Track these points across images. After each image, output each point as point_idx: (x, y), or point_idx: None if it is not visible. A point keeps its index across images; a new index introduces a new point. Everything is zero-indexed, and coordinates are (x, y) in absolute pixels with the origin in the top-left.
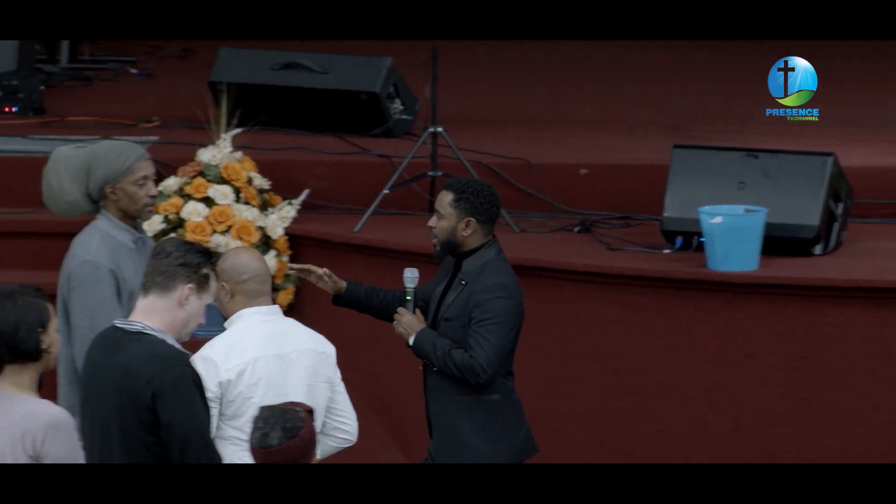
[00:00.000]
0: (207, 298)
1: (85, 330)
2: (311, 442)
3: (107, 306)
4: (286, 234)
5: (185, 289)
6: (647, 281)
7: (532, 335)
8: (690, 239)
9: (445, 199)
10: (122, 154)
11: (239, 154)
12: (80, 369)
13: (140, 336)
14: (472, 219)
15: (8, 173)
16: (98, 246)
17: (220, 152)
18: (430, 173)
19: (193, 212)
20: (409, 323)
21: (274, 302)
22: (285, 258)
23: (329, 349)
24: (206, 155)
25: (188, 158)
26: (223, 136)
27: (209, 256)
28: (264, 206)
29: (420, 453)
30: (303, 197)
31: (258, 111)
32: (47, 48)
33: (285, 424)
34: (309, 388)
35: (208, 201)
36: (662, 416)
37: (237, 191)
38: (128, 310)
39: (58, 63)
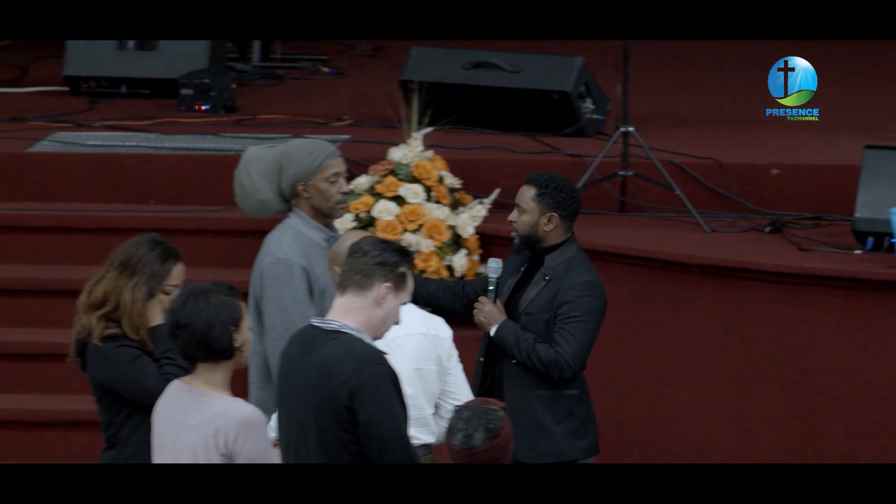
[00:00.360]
0: (404, 297)
1: (277, 328)
2: (510, 441)
3: (299, 304)
4: (477, 233)
5: (382, 287)
6: (838, 281)
7: (722, 335)
8: (882, 240)
9: (527, 193)
10: (314, 151)
11: (430, 153)
12: (272, 367)
13: (337, 335)
14: (554, 214)
15: (199, 171)
16: (290, 244)
17: (411, 151)
18: (622, 173)
19: (384, 210)
20: (490, 313)
21: None
22: (476, 257)
23: (443, 332)
24: (397, 153)
25: (379, 157)
26: (414, 134)
27: (406, 255)
28: (455, 205)
29: (609, 455)
30: (494, 196)
31: (449, 110)
32: (239, 47)
33: (488, 425)
34: (417, 371)
35: (399, 200)
36: (853, 417)
37: (428, 189)
38: (319, 308)
39: (249, 62)
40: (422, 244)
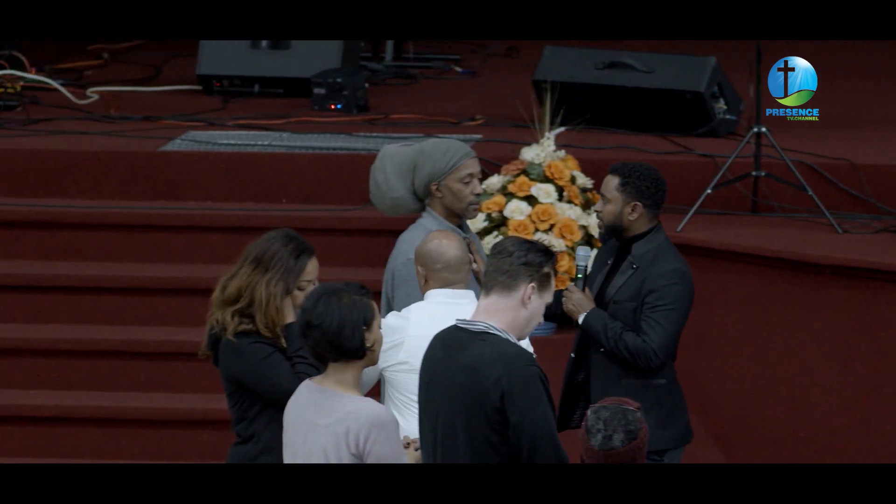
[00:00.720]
0: (548, 297)
1: None
2: (646, 441)
3: None
4: None
5: (527, 288)
6: None
7: (854, 336)
8: None
9: (611, 183)
10: (448, 151)
11: (562, 153)
12: None
13: (484, 336)
14: (638, 203)
15: (332, 170)
16: None
17: (543, 151)
18: (754, 173)
19: (516, 210)
20: (579, 301)
21: None
22: None
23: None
24: (529, 153)
25: (511, 157)
26: (547, 134)
27: (550, 255)
28: (587, 205)
29: (740, 455)
30: None
31: (582, 110)
32: (372, 46)
33: (627, 427)
34: None
35: (531, 200)
36: None
37: (560, 189)
38: None
39: (382, 61)
40: (553, 244)
